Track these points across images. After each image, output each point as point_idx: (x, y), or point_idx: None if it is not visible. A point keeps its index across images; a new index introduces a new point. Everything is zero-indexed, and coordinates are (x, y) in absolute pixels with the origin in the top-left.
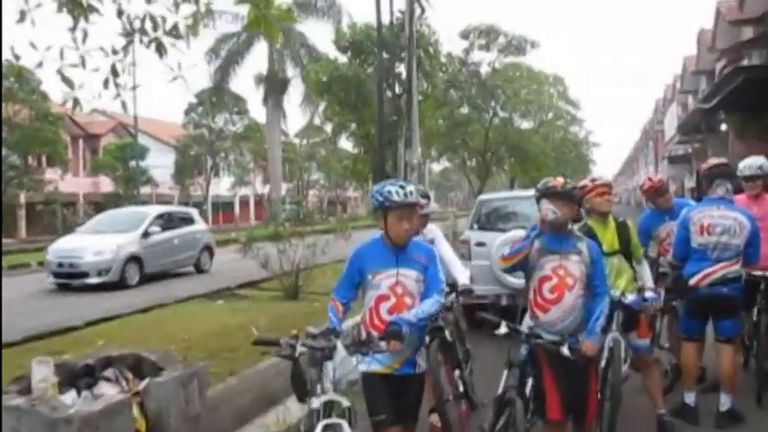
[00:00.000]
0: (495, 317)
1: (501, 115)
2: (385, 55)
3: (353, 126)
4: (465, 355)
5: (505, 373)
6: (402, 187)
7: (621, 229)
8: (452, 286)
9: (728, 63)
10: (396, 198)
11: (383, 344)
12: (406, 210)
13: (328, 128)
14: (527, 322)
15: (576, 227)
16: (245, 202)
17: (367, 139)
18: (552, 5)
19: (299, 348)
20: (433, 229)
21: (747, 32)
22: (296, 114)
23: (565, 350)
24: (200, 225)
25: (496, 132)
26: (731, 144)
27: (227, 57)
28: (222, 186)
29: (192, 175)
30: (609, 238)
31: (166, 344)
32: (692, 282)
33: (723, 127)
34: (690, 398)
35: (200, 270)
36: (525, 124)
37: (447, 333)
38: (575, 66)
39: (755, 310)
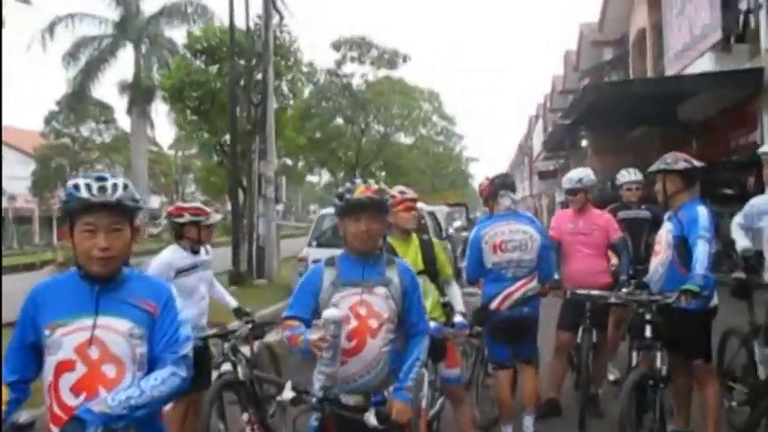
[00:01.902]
0: (277, 377)
1: (376, 129)
2: (242, 62)
3: (206, 135)
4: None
5: None
6: (101, 179)
7: (426, 247)
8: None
9: (591, 83)
10: (82, 194)
11: None
12: (104, 215)
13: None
14: (318, 379)
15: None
16: None
17: (221, 149)
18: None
19: None
20: (209, 250)
21: (608, 53)
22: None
23: (371, 418)
24: None
25: (370, 146)
26: (589, 160)
27: (90, 62)
28: None
29: (53, 188)
30: (412, 257)
31: None
32: (493, 305)
33: (584, 143)
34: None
35: None
36: (404, 139)
37: (239, 370)
38: (455, 82)
39: (580, 331)
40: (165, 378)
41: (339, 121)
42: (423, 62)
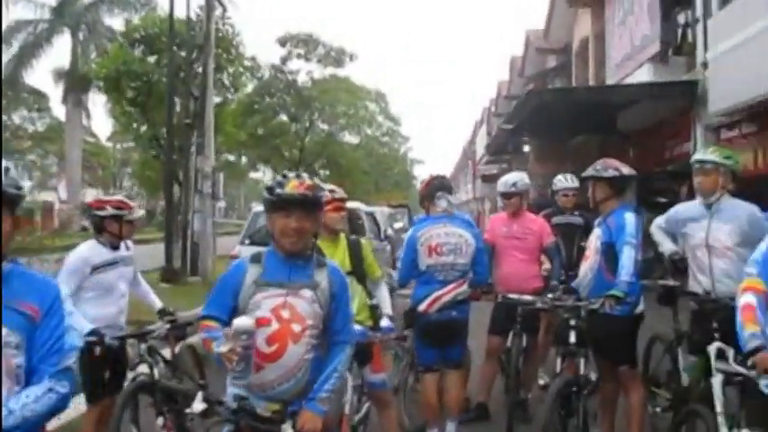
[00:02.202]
0: (195, 383)
1: (321, 127)
2: (182, 53)
3: (143, 128)
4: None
5: None
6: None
7: (354, 247)
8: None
9: (535, 89)
10: None
11: None
12: None
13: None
14: (231, 389)
15: None
16: (48, 209)
17: (157, 142)
18: (377, 22)
19: None
20: (131, 246)
21: (553, 61)
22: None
23: (288, 431)
24: None
25: (313, 144)
26: (530, 165)
27: (24, 47)
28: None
29: None
30: (339, 258)
31: None
32: (422, 308)
33: (526, 148)
34: None
35: None
36: (351, 138)
37: (156, 371)
38: (402, 83)
39: (510, 335)
40: (39, 395)
41: (283, 118)
42: (370, 62)
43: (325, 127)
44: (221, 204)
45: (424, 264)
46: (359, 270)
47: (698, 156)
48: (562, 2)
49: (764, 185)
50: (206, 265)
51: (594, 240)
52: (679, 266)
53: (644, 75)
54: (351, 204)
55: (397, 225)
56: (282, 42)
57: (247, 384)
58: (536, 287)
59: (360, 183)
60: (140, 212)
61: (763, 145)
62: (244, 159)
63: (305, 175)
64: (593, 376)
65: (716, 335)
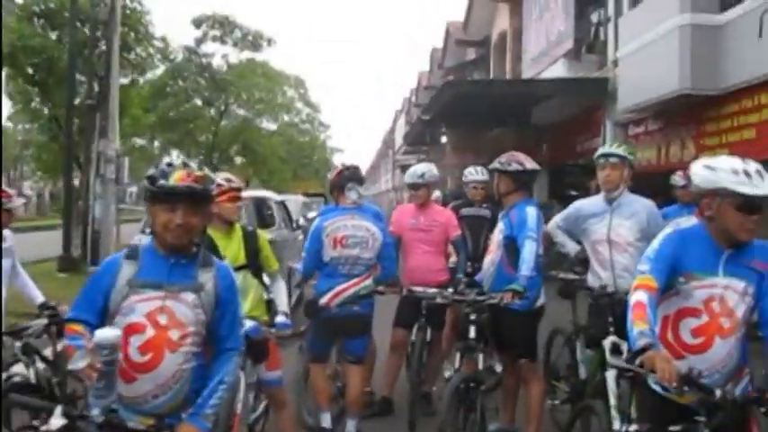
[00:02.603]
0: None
1: (237, 112)
2: (85, 30)
3: (44, 109)
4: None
5: None
6: None
7: (249, 239)
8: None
9: (452, 80)
10: None
11: None
12: None
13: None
14: (96, 401)
15: None
16: None
17: (57, 124)
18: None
19: None
20: (9, 236)
21: (472, 53)
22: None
23: None
24: None
25: (229, 130)
26: (447, 156)
27: None
28: None
29: None
30: (233, 251)
31: None
32: (323, 301)
33: (444, 139)
34: (326, 420)
35: None
36: (269, 125)
37: (32, 371)
38: (324, 71)
39: (414, 329)
40: None
41: (197, 102)
42: (291, 48)
43: (242, 112)
44: (133, 189)
45: (329, 255)
46: (254, 263)
47: (605, 150)
48: None
49: (668, 181)
50: (108, 253)
51: (497, 234)
52: (584, 265)
53: (558, 70)
54: (260, 193)
55: (311, 215)
56: (197, 23)
57: (122, 399)
58: (442, 280)
59: (277, 170)
60: (20, 201)
61: (667, 141)
62: (156, 143)
63: (193, 164)
64: (498, 368)
65: (611, 329)
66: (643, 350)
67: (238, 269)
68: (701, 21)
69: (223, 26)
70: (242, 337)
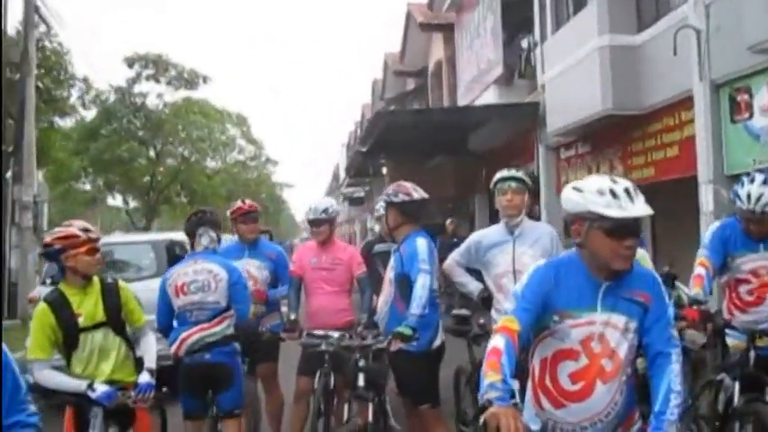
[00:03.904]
0: None
1: (175, 152)
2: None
3: None
4: None
5: None
6: None
7: (109, 293)
8: None
9: (382, 110)
10: None
11: None
12: None
13: None
14: None
15: None
16: None
17: None
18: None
19: None
20: None
21: (411, 83)
22: None
23: None
24: None
25: (167, 170)
26: (387, 187)
27: None
28: None
29: None
30: (90, 307)
31: None
32: (173, 349)
33: (384, 170)
34: None
35: None
36: (210, 163)
37: None
38: (271, 107)
39: (317, 376)
40: None
41: (134, 143)
42: (233, 87)
43: (180, 151)
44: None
45: (175, 305)
46: (116, 319)
47: (504, 173)
48: (416, 26)
49: None
50: (26, 306)
51: (389, 271)
52: (487, 305)
53: (490, 97)
54: (171, 235)
55: None
56: (130, 63)
57: None
58: (347, 321)
59: (219, 209)
60: None
61: (597, 163)
62: (87, 186)
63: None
64: (392, 423)
65: None
66: (484, 407)
67: (97, 327)
68: (620, 42)
69: (156, 65)
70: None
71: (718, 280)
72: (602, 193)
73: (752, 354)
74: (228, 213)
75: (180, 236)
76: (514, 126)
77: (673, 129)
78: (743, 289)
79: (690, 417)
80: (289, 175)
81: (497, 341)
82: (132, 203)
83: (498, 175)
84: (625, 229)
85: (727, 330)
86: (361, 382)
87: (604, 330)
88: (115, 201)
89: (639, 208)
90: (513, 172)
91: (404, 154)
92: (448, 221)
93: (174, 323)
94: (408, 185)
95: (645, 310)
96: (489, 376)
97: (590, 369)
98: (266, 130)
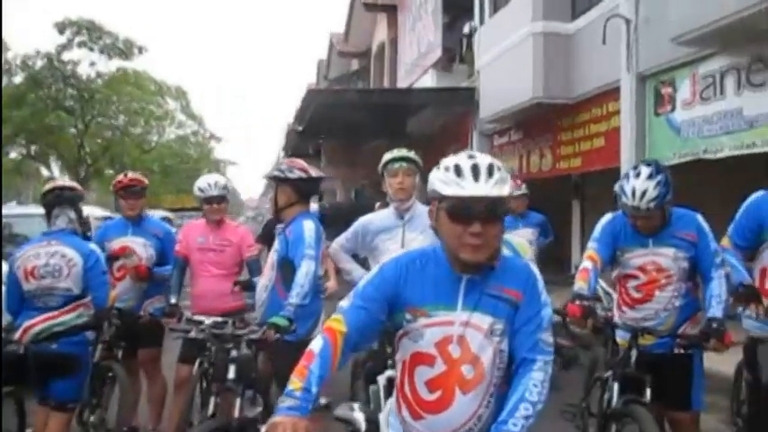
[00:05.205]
0: None
1: (107, 124)
2: None
3: None
4: None
5: None
6: None
7: None
8: None
9: (316, 89)
10: None
11: None
12: None
13: None
14: None
15: None
16: None
17: None
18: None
19: None
20: None
21: (356, 64)
22: None
23: None
24: None
25: (98, 143)
26: (324, 169)
27: None
28: None
29: None
30: None
31: None
32: (17, 337)
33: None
34: None
35: None
36: (151, 138)
37: None
38: (218, 82)
39: (197, 363)
40: None
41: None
42: (174, 61)
43: (114, 123)
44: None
45: (25, 288)
46: None
47: (395, 154)
48: (360, 6)
49: (532, 190)
50: None
51: (272, 254)
52: None
53: (428, 81)
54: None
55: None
56: (61, 29)
57: None
58: (236, 306)
59: (152, 184)
60: None
61: (528, 151)
62: (13, 154)
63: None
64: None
65: (390, 362)
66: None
67: None
68: (553, 29)
69: (90, 32)
70: None
71: (610, 275)
72: (447, 168)
73: (633, 352)
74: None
75: (87, 210)
76: (451, 111)
77: (600, 119)
78: (631, 285)
79: (579, 414)
80: (233, 153)
81: (314, 344)
82: (60, 175)
83: (388, 156)
84: (467, 212)
85: (617, 328)
86: (231, 374)
87: (464, 332)
88: (50, 172)
89: (482, 188)
90: (403, 152)
91: (341, 136)
92: (377, 205)
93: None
94: (302, 162)
95: (515, 310)
96: (291, 382)
97: (448, 376)
98: (209, 107)
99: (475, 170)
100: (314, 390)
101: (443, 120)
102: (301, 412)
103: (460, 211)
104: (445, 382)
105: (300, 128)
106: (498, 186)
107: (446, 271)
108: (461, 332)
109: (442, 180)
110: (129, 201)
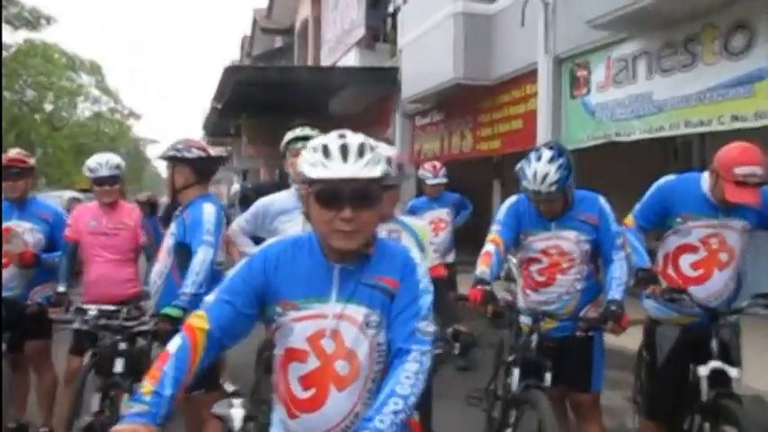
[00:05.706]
0: None
1: (11, 98)
2: None
3: None
4: None
5: None
6: None
7: None
8: None
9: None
10: None
11: None
12: None
13: None
14: None
15: None
16: None
17: None
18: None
19: None
20: None
21: (280, 41)
22: None
23: None
24: None
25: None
26: (244, 148)
27: None
28: None
29: None
30: None
31: None
32: None
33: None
34: None
35: None
36: (63, 114)
37: None
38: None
39: (88, 355)
40: None
41: None
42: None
43: (18, 98)
44: None
45: None
46: None
47: (298, 133)
48: None
49: (450, 171)
50: None
51: (168, 239)
52: None
53: (351, 60)
54: None
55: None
56: None
57: None
58: (131, 294)
59: (58, 162)
60: None
61: (449, 132)
62: None
63: None
64: None
65: None
66: None
67: None
68: (474, 9)
69: None
70: None
71: (515, 257)
72: (315, 149)
73: (534, 337)
74: None
75: None
76: (374, 91)
77: (518, 101)
78: (534, 268)
79: (486, 397)
80: (154, 132)
81: (172, 343)
82: None
83: (290, 135)
84: (336, 196)
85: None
86: (118, 367)
87: (338, 325)
88: None
89: (351, 168)
90: (306, 131)
91: (263, 114)
92: None
93: None
94: (200, 141)
95: (391, 299)
96: (143, 386)
97: (322, 373)
98: (128, 82)
99: (344, 150)
100: (167, 393)
101: (366, 99)
102: (150, 419)
103: (329, 195)
104: (319, 379)
105: (219, 105)
106: (369, 167)
107: (319, 260)
108: (335, 326)
109: (310, 162)
110: (8, 182)
